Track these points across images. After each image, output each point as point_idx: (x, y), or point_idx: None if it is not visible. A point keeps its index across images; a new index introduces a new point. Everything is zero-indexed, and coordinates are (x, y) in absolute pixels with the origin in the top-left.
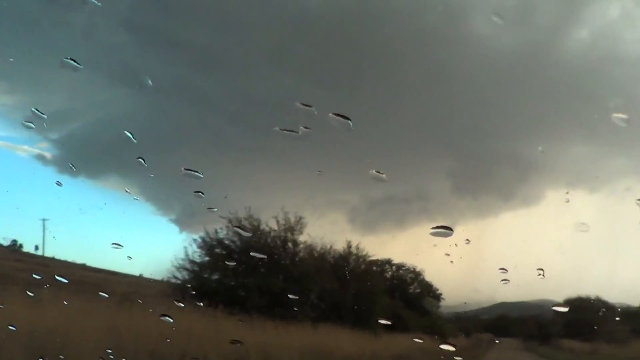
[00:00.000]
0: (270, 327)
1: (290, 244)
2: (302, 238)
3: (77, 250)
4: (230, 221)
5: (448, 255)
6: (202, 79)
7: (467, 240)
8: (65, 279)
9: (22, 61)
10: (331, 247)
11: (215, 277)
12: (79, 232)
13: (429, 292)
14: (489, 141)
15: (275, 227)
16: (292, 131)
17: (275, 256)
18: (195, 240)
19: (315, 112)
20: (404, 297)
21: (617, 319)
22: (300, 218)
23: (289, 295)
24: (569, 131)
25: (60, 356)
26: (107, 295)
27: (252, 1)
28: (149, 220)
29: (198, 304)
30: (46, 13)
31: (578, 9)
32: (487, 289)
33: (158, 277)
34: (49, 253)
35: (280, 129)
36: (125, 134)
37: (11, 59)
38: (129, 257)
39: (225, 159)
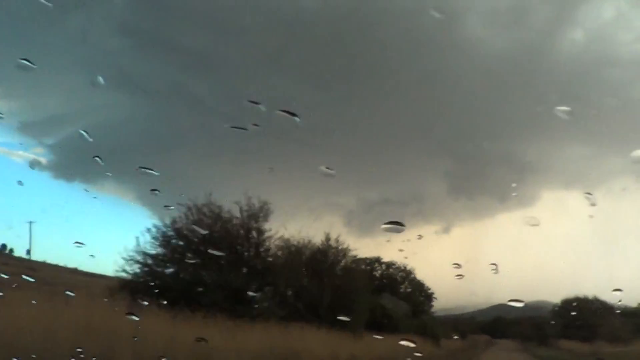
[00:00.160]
0: (232, 327)
1: (254, 233)
2: (268, 226)
3: (70, 254)
4: (189, 209)
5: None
6: (199, 82)
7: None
8: (33, 279)
9: (17, 66)
10: (308, 241)
11: (172, 270)
12: (71, 236)
13: (421, 291)
14: (484, 143)
15: (238, 215)
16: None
17: (238, 247)
18: (149, 229)
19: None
20: (394, 296)
21: (617, 318)
22: (265, 203)
23: (249, 292)
24: (564, 132)
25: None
26: (73, 294)
27: (249, 6)
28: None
29: (160, 301)
30: (43, 18)
31: (572, 11)
32: (484, 291)
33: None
34: (40, 256)
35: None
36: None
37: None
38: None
39: (222, 161)
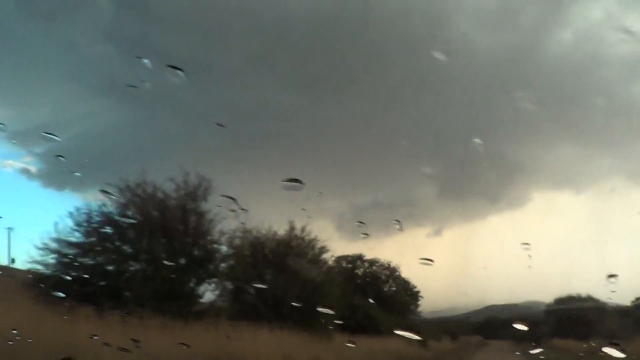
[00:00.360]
0: (159, 326)
1: (194, 217)
2: (207, 207)
3: None
4: (120, 191)
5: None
6: (185, 88)
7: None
8: None
9: (5, 75)
10: (270, 230)
11: (93, 262)
12: None
13: (406, 290)
14: (474, 144)
15: (174, 194)
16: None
17: (174, 233)
18: (71, 214)
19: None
20: (378, 295)
21: (613, 316)
22: (205, 179)
23: (191, 286)
24: (554, 133)
25: None
26: None
27: (234, 11)
28: None
29: (77, 297)
30: (28, 27)
31: (561, 11)
32: (475, 292)
33: None
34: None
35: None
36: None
37: None
38: None
39: (211, 167)
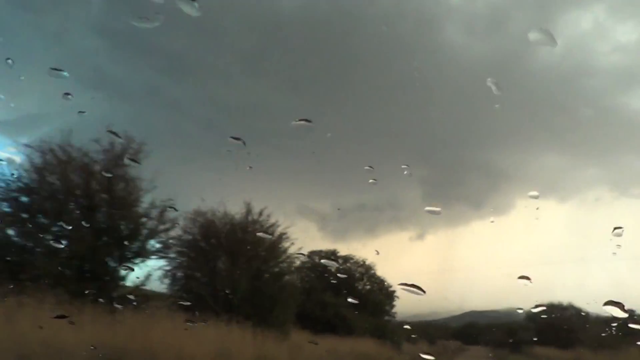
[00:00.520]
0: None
1: (121, 184)
2: (135, 172)
3: None
4: (42, 153)
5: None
6: (175, 84)
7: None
8: None
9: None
10: (224, 213)
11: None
12: None
13: (381, 289)
14: (460, 150)
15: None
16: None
17: (93, 202)
18: None
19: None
20: (350, 293)
21: (597, 325)
22: (133, 140)
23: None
24: (540, 141)
25: None
26: None
27: (226, 8)
28: None
29: None
30: (18, 18)
31: (550, 20)
32: (456, 297)
33: None
34: None
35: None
36: None
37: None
38: None
39: (197, 165)
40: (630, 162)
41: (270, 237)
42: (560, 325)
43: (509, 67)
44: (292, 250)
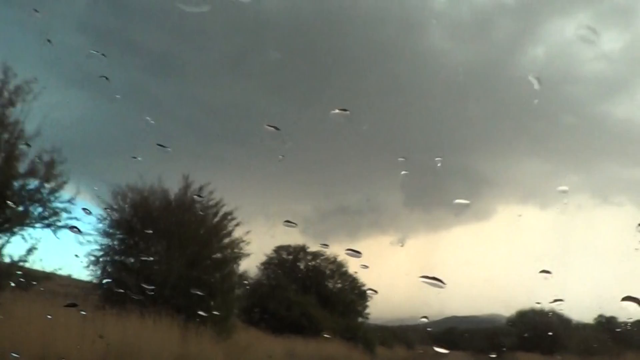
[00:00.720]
0: None
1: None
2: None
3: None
4: None
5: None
6: (157, 84)
7: None
8: None
9: None
10: (160, 187)
11: None
12: None
13: (353, 288)
14: (442, 155)
15: None
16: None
17: None
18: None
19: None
20: (319, 292)
21: (579, 331)
22: (22, 81)
23: None
24: (522, 147)
25: None
26: None
27: (210, 8)
28: None
29: None
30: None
31: (534, 27)
32: (436, 302)
33: None
34: None
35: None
36: None
37: None
38: None
39: (177, 165)
40: (611, 170)
41: (203, 212)
42: (543, 330)
43: (493, 73)
44: (238, 234)
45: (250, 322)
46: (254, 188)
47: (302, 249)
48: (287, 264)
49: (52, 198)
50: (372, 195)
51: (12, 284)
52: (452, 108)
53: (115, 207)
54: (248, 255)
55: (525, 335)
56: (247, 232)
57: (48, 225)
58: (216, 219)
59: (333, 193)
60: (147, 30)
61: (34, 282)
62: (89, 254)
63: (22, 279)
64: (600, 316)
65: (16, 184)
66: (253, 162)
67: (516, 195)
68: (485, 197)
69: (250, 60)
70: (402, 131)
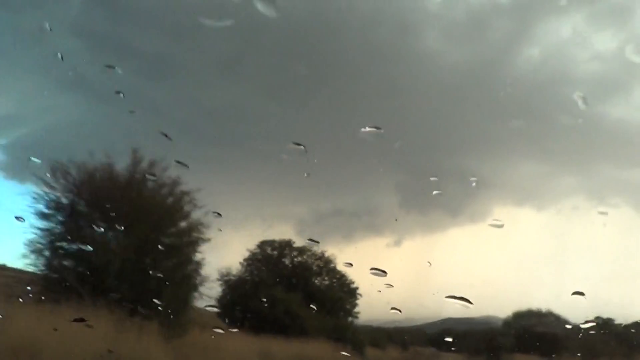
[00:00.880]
0: None
1: None
2: None
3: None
4: None
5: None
6: (152, 87)
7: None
8: None
9: None
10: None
11: None
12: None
13: (342, 285)
14: (438, 157)
15: None
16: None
17: None
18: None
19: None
20: (306, 289)
21: (579, 332)
22: None
23: None
24: (518, 149)
25: None
26: None
27: (204, 11)
28: None
29: None
30: None
31: (529, 27)
32: (432, 304)
33: None
34: None
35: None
36: None
37: None
38: None
39: (173, 168)
40: (607, 171)
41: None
42: (542, 333)
43: (488, 74)
44: (197, 216)
45: (230, 321)
46: (250, 190)
47: (288, 244)
48: (271, 260)
49: None
50: (368, 197)
51: None
52: (447, 109)
53: (53, 185)
54: (208, 240)
55: (522, 336)
56: (208, 214)
57: None
58: (170, 199)
59: (329, 195)
60: (142, 32)
61: None
62: (29, 241)
63: None
64: (598, 317)
65: None
66: (249, 164)
67: (512, 197)
68: (481, 199)
69: (246, 63)
70: (398, 133)
